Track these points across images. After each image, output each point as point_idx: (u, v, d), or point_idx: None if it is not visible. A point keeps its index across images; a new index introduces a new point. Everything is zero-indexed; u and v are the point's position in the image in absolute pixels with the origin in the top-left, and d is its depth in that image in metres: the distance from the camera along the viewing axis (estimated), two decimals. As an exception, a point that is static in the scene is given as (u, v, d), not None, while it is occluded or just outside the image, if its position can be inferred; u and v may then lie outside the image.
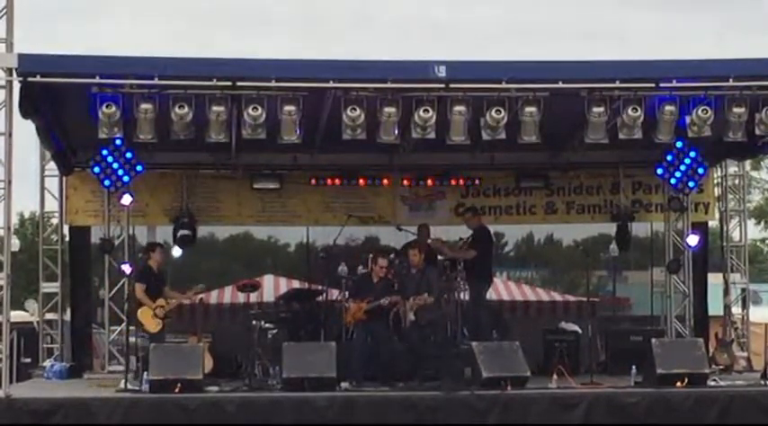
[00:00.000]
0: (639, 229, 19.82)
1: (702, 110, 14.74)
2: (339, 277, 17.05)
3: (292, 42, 58.39)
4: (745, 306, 19.68)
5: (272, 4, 66.68)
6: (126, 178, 16.08)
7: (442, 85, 14.47)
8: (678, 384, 14.32)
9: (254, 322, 16.44)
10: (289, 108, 14.46)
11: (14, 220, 20.00)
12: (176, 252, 18.08)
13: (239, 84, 14.29)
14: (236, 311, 19.57)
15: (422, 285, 15.84)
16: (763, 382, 15.14)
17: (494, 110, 14.59)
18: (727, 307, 19.55)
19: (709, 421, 13.87)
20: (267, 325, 16.77)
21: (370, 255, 16.61)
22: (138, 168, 16.14)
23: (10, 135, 14.03)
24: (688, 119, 14.98)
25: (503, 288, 22.05)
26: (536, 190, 19.04)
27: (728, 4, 63.50)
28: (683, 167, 16.65)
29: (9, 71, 13.99)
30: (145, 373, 14.38)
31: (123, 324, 16.88)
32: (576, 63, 14.99)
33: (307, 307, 17.80)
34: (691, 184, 16.86)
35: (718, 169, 19.29)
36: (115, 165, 15.93)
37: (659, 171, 16.87)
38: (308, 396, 13.86)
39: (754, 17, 59.20)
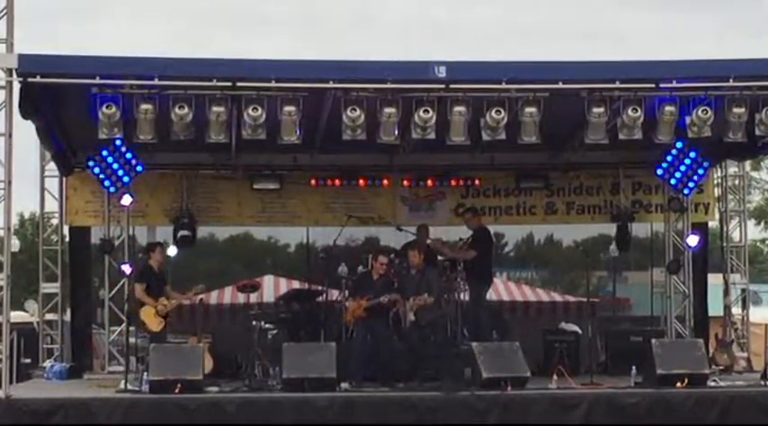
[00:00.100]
0: (639, 230, 19.82)
1: (702, 111, 14.74)
2: (339, 277, 17.05)
3: (292, 42, 58.48)
4: (745, 306, 19.68)
5: (272, 4, 66.79)
6: (126, 178, 16.07)
7: (443, 86, 14.46)
8: (678, 384, 14.32)
9: (254, 322, 16.44)
10: (289, 108, 14.46)
11: (14, 221, 20.00)
12: (171, 251, 18.05)
13: (239, 84, 14.28)
14: (236, 311, 19.57)
15: (422, 285, 15.84)
16: (763, 382, 15.14)
17: (494, 111, 14.59)
18: (727, 308, 19.55)
19: (709, 421, 13.87)
20: (267, 326, 16.78)
21: (370, 254, 16.62)
22: (138, 168, 16.13)
23: (10, 135, 14.03)
24: (688, 120, 14.97)
25: (503, 289, 22.05)
26: (536, 191, 19.03)
27: (728, 4, 63.58)
28: (682, 168, 16.67)
29: (9, 71, 13.98)
30: (145, 373, 14.38)
31: (123, 325, 16.89)
32: (576, 63, 14.99)
33: (307, 308, 17.81)
34: (690, 185, 16.88)
35: (718, 169, 19.28)
36: (115, 166, 15.92)
37: (659, 171, 16.89)
38: (308, 397, 13.87)
39: (754, 17, 59.27)
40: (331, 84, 14.34)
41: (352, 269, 17.24)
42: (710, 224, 20.09)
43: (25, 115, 14.49)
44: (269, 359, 15.72)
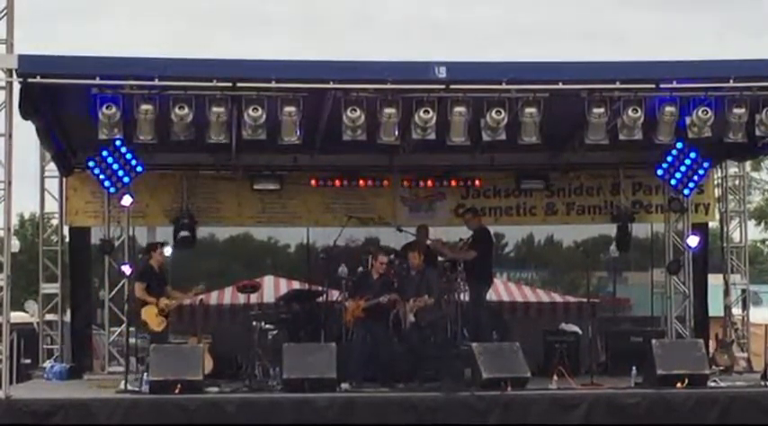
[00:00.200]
0: (639, 230, 19.81)
1: (702, 111, 14.74)
2: (339, 278, 17.04)
3: (292, 43, 58.52)
4: (745, 306, 19.68)
5: (272, 4, 66.84)
6: (126, 179, 16.06)
7: (443, 86, 14.47)
8: (678, 385, 14.32)
9: (254, 323, 16.43)
10: (289, 109, 14.46)
11: (14, 221, 19.98)
12: (167, 251, 18.02)
13: (239, 84, 14.29)
14: (237, 312, 19.56)
15: (422, 286, 15.84)
16: (763, 383, 15.13)
17: (494, 111, 14.59)
18: (727, 308, 19.55)
19: (709, 421, 13.87)
20: (267, 326, 16.77)
21: (370, 253, 16.62)
22: (138, 169, 16.12)
23: (10, 136, 14.03)
24: (688, 120, 14.98)
25: (503, 289, 22.04)
26: (536, 191, 19.02)
27: (728, 4, 63.64)
28: (683, 168, 16.66)
29: (9, 72, 13.98)
30: (145, 374, 14.38)
31: (123, 325, 16.89)
32: (576, 64, 14.99)
33: (307, 308, 17.79)
34: (691, 185, 16.88)
35: (719, 170, 19.28)
36: (115, 166, 15.91)
37: (659, 172, 16.88)
38: (308, 397, 13.86)
39: (754, 17, 59.29)
40: (331, 85, 14.34)
41: (352, 269, 17.22)
42: (711, 224, 20.09)
43: (25, 115, 14.49)
44: (269, 360, 15.71)
